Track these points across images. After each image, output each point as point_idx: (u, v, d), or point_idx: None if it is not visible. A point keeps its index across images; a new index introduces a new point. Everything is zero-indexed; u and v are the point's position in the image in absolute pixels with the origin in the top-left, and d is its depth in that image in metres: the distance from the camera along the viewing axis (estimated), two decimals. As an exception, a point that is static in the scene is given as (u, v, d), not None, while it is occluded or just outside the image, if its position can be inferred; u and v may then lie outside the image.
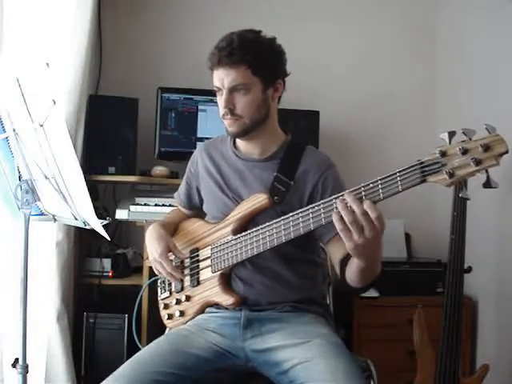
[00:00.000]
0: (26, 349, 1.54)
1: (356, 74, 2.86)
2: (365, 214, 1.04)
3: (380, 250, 1.13)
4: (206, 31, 2.68)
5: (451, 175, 0.96)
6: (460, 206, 1.99)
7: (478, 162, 0.93)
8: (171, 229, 1.61)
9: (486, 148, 0.92)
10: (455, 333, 1.97)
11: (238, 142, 1.53)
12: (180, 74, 2.68)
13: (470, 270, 2.11)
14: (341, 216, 1.07)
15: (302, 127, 2.52)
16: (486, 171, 0.95)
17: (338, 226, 1.07)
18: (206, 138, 2.47)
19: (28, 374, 1.54)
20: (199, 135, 2.50)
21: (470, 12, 2.57)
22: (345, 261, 1.29)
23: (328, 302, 1.66)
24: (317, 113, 2.57)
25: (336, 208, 1.09)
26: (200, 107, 2.51)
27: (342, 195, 1.12)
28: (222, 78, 1.38)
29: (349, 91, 2.83)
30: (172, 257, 1.52)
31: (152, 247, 1.50)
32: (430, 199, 2.80)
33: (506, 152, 0.92)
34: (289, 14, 2.82)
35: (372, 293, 2.42)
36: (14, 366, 1.53)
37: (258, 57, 1.37)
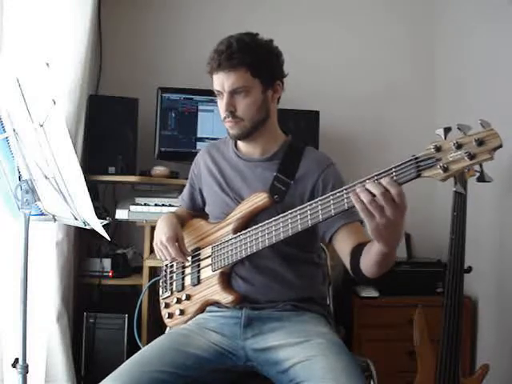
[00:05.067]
0: (25, 349, 1.54)
1: (356, 74, 2.86)
2: (383, 194, 1.01)
3: (401, 233, 1.10)
4: (206, 31, 2.69)
5: (445, 169, 0.97)
6: (460, 207, 1.99)
7: (472, 156, 0.94)
8: (181, 223, 1.62)
9: (480, 142, 0.93)
10: (455, 333, 1.97)
11: (239, 142, 1.54)
12: (180, 74, 2.68)
13: (470, 270, 2.11)
14: (360, 198, 1.04)
15: (302, 127, 2.52)
16: (480, 165, 0.96)
17: (358, 206, 1.04)
18: (206, 138, 2.49)
19: (28, 374, 1.54)
20: (199, 135, 2.50)
21: (470, 9, 2.57)
22: (356, 251, 1.29)
23: (328, 302, 1.66)
24: (317, 113, 2.57)
25: (354, 191, 1.06)
26: (200, 107, 2.50)
27: (341, 191, 1.13)
28: (222, 82, 1.39)
29: (349, 91, 2.83)
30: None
31: (161, 231, 1.52)
32: (430, 199, 2.80)
33: (500, 146, 0.92)
34: (288, 14, 2.82)
35: (372, 293, 2.42)
36: (14, 365, 1.53)
37: (257, 59, 1.39)
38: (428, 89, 2.90)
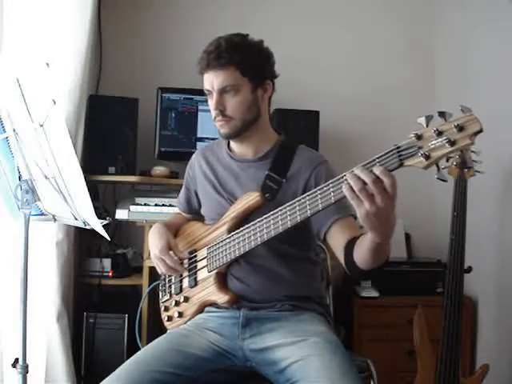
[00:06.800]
0: (25, 349, 1.54)
1: (356, 74, 2.86)
2: (375, 182, 1.01)
3: (393, 222, 1.08)
4: (205, 31, 2.65)
5: (427, 157, 0.97)
6: (460, 207, 1.99)
7: (452, 143, 0.94)
8: (173, 229, 1.63)
9: (460, 128, 0.93)
10: (455, 333, 1.97)
11: (232, 143, 1.55)
12: (180, 73, 2.68)
13: (470, 270, 2.11)
14: (350, 186, 1.04)
15: (302, 127, 2.51)
16: (462, 151, 0.95)
17: (348, 195, 1.04)
18: (206, 138, 2.49)
19: (28, 374, 1.54)
20: (199, 135, 2.50)
21: (470, 9, 2.57)
22: (349, 244, 1.28)
23: (328, 302, 1.66)
24: (317, 113, 2.57)
25: (346, 180, 1.07)
26: (200, 107, 2.50)
27: (327, 185, 1.13)
28: (211, 81, 1.41)
29: (349, 91, 2.83)
30: None
31: (153, 244, 1.52)
32: (430, 199, 2.80)
33: (480, 131, 0.92)
34: (289, 14, 2.81)
35: (372, 293, 2.42)
36: (14, 365, 1.53)
37: (245, 58, 1.40)
38: (428, 89, 2.90)
